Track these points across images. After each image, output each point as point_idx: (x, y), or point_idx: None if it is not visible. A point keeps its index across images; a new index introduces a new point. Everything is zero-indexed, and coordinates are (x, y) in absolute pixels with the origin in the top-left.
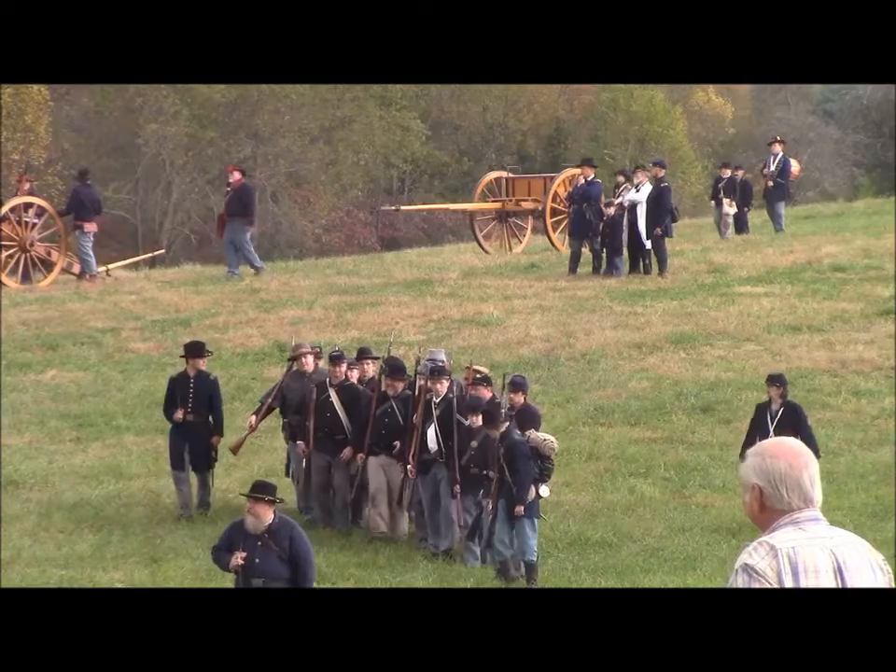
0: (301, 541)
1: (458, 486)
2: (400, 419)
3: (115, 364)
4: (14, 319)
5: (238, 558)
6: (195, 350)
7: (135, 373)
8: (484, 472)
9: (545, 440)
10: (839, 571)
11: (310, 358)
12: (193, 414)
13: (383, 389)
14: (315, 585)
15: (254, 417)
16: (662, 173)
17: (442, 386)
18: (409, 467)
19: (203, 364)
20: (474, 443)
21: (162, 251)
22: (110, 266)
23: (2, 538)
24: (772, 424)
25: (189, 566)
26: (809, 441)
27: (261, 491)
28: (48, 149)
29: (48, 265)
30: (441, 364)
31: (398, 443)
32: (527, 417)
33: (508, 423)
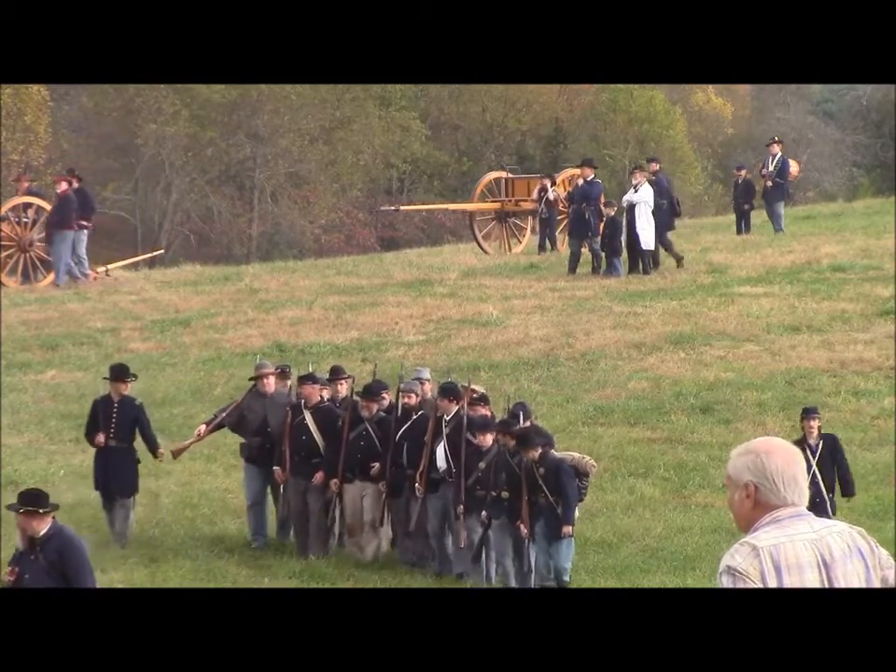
0: (72, 554)
1: (462, 507)
2: (377, 442)
3: None
4: (14, 319)
5: (7, 573)
6: (117, 374)
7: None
8: (493, 493)
9: (584, 458)
10: (823, 565)
11: (271, 379)
12: (115, 440)
13: (356, 411)
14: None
15: (203, 426)
16: (656, 167)
17: (451, 405)
18: (416, 485)
19: (126, 389)
20: (482, 464)
21: (162, 251)
22: (110, 266)
23: (2, 538)
24: (814, 459)
25: (188, 566)
26: (847, 474)
27: (29, 502)
28: (47, 149)
29: (47, 265)
30: (452, 383)
31: (376, 465)
32: (542, 439)
33: (546, 445)
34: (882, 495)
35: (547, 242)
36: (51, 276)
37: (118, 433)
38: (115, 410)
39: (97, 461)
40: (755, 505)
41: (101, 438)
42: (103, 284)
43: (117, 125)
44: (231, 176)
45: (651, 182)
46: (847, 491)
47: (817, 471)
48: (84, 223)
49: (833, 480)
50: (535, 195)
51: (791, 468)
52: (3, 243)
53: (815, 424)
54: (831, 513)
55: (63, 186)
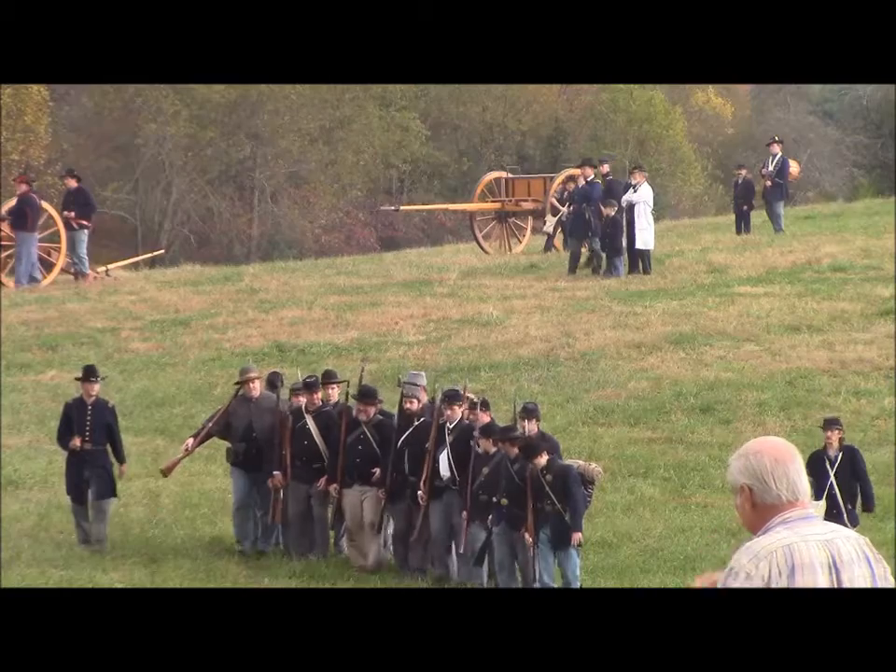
0: None
1: (466, 513)
2: (375, 446)
3: (114, 364)
4: (14, 319)
5: None
6: (85, 374)
7: (135, 374)
8: (493, 499)
9: (590, 465)
10: (834, 567)
11: (257, 384)
12: (91, 443)
13: (353, 415)
14: None
15: (191, 440)
16: (606, 168)
17: (455, 412)
18: (419, 493)
19: (95, 390)
20: (485, 470)
21: (162, 251)
22: (110, 266)
23: (2, 538)
24: (832, 471)
25: (188, 566)
26: (868, 487)
27: None
28: (47, 149)
29: (47, 265)
30: (456, 390)
31: (377, 471)
32: (548, 446)
33: (552, 453)
34: (882, 495)
35: (553, 243)
36: (51, 276)
37: (92, 436)
38: (88, 412)
39: (70, 465)
40: (754, 507)
41: (77, 441)
42: (103, 284)
43: (117, 125)
44: (231, 176)
45: (600, 183)
46: (868, 506)
47: (834, 483)
48: (84, 223)
49: (854, 493)
50: (555, 195)
51: (780, 465)
52: (3, 243)
53: (835, 435)
54: (849, 525)
55: (23, 187)
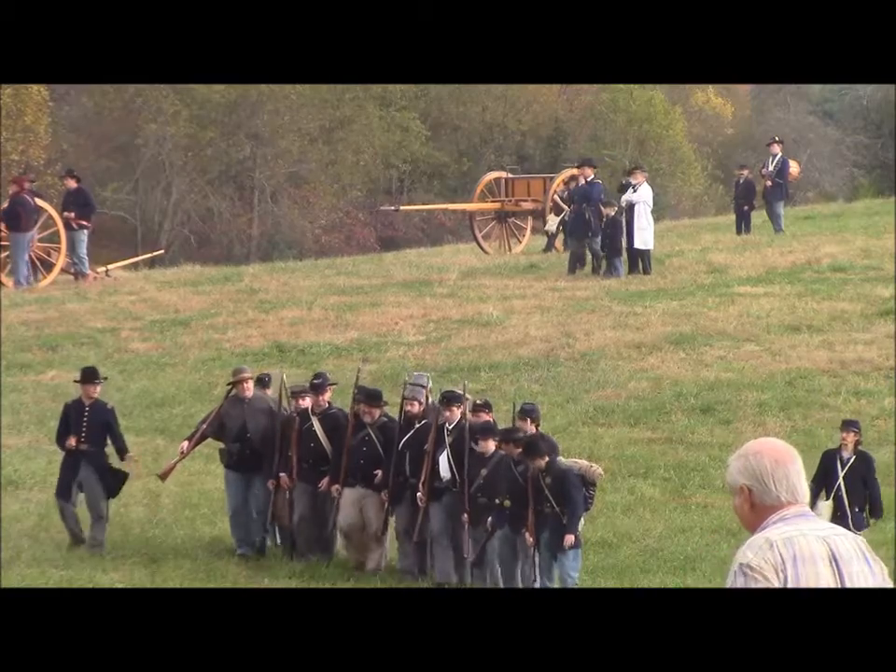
0: None
1: (467, 516)
2: (379, 448)
3: (114, 364)
4: (14, 319)
5: None
6: (87, 376)
7: (135, 374)
8: (496, 501)
9: (591, 466)
10: (834, 560)
11: (250, 384)
12: (87, 444)
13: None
14: None
15: (186, 443)
16: (590, 173)
17: (454, 413)
18: (419, 494)
19: (95, 391)
20: (484, 471)
21: (162, 251)
22: (110, 266)
23: (2, 538)
24: (842, 471)
25: (188, 566)
26: (875, 494)
27: None
28: (47, 149)
29: (47, 265)
30: (453, 391)
31: (379, 472)
32: (547, 447)
33: (553, 454)
34: (882, 495)
35: (554, 244)
36: (51, 276)
37: (88, 437)
38: (86, 414)
39: (65, 464)
40: (752, 507)
41: (72, 440)
42: (103, 284)
43: (117, 125)
44: (232, 176)
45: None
46: (875, 514)
47: (842, 485)
48: (84, 223)
49: (862, 496)
50: (558, 194)
51: (781, 467)
52: (3, 243)
53: (851, 437)
54: (852, 528)
55: (14, 188)
